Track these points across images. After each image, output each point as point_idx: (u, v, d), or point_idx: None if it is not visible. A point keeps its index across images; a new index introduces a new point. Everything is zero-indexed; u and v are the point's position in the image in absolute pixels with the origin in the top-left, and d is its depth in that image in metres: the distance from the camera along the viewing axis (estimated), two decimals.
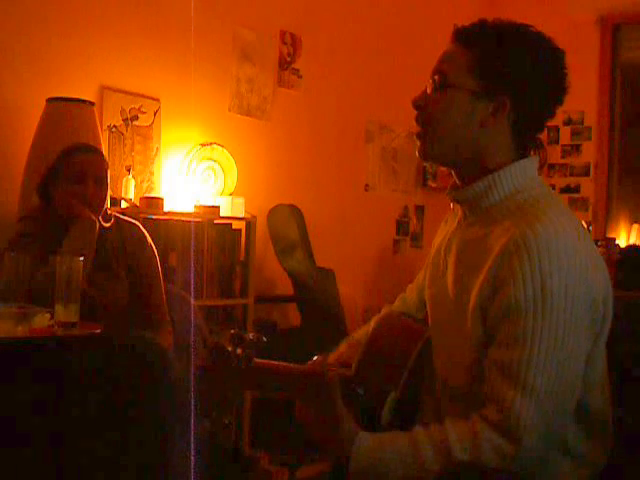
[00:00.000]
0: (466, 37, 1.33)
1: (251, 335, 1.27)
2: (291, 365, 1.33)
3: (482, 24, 1.34)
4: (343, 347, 1.63)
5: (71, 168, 2.15)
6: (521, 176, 1.32)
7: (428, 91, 1.35)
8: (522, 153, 1.35)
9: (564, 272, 1.19)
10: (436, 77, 1.34)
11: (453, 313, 1.34)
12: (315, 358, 1.55)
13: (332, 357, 1.60)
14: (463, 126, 1.32)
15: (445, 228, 1.49)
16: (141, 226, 2.34)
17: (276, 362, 1.32)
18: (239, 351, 1.25)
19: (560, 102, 1.35)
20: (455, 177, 1.39)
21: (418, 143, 1.38)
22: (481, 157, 1.33)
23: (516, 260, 1.20)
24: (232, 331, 1.25)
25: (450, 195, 1.40)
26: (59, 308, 1.73)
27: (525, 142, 1.36)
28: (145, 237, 2.31)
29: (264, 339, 1.27)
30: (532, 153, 1.36)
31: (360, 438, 1.22)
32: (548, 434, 1.21)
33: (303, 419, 1.28)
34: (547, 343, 1.18)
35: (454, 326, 1.33)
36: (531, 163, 1.34)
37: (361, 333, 1.65)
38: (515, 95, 1.30)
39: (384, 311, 1.72)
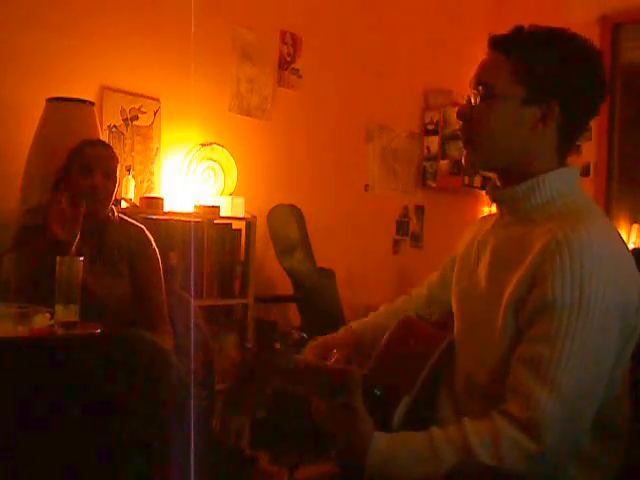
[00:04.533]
0: (506, 44, 1.32)
1: (295, 332, 1.27)
2: (314, 360, 1.31)
3: (519, 30, 1.33)
4: (342, 332, 1.64)
5: (81, 161, 2.17)
6: (564, 183, 1.32)
7: (473, 102, 1.34)
8: (565, 157, 1.36)
9: (603, 276, 1.19)
10: (480, 88, 1.32)
11: (484, 308, 1.33)
12: (311, 344, 1.54)
13: (330, 340, 1.60)
14: (512, 134, 1.32)
15: (468, 235, 1.49)
16: (146, 230, 2.34)
17: (297, 356, 1.30)
18: (278, 346, 1.24)
19: (604, 99, 1.34)
20: (496, 178, 1.39)
21: (465, 152, 1.37)
22: (526, 161, 1.33)
23: (557, 258, 1.20)
24: (277, 324, 1.25)
25: (490, 194, 1.40)
26: (59, 308, 1.73)
27: (570, 145, 1.36)
28: (150, 241, 2.31)
29: (305, 336, 1.27)
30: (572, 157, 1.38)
31: (377, 436, 1.22)
32: (568, 436, 1.20)
33: (320, 416, 1.27)
34: (579, 343, 1.18)
35: (484, 321, 1.32)
36: (573, 171, 1.35)
37: (360, 323, 1.67)
38: (563, 98, 1.29)
39: (382, 308, 1.71)
